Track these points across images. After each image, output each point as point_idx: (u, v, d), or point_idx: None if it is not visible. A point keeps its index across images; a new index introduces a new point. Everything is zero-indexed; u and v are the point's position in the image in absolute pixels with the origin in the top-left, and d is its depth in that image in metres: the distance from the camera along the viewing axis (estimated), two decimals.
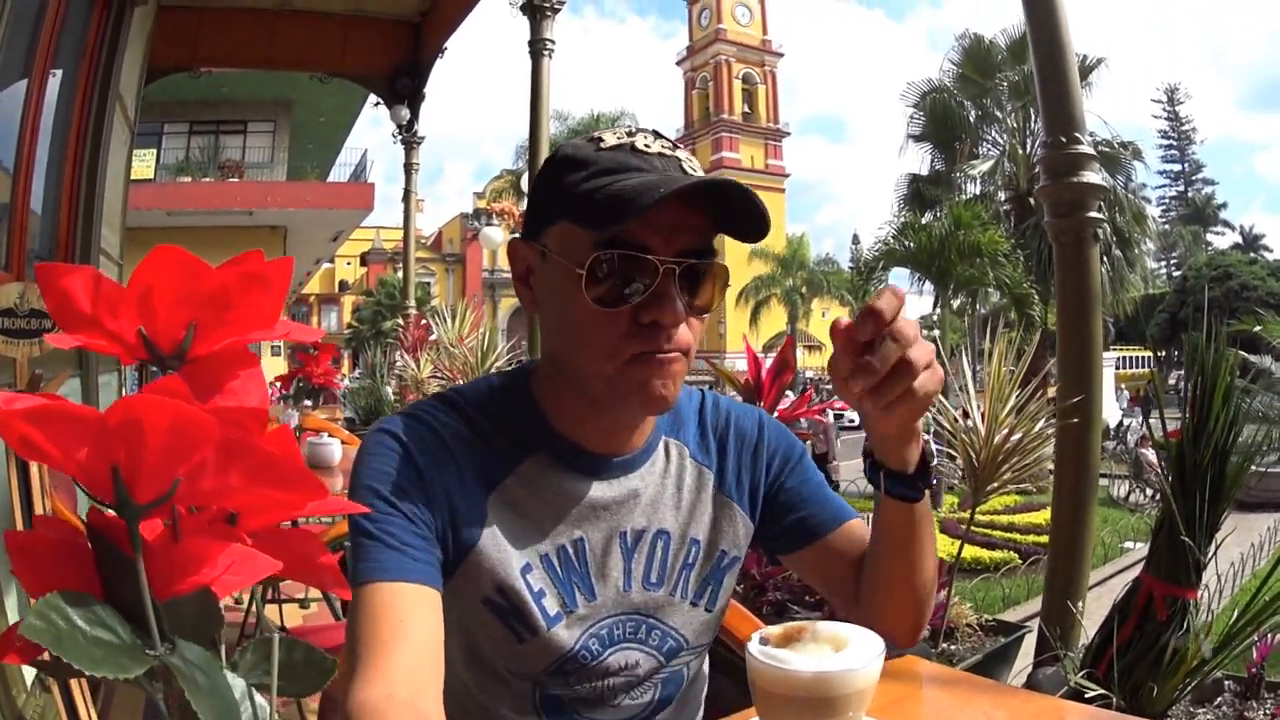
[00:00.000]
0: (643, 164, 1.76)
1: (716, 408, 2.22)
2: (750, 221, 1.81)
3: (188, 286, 1.06)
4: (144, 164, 28.31)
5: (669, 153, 1.83)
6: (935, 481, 1.94)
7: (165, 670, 0.89)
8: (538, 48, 11.23)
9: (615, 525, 1.98)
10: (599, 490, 1.97)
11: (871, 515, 2.02)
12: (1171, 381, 45.86)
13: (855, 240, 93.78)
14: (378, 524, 1.72)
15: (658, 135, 1.88)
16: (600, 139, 1.85)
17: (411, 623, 1.62)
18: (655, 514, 2.03)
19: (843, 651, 1.42)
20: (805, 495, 2.16)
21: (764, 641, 1.46)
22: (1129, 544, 14.21)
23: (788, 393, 7.56)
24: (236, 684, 0.99)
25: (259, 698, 1.01)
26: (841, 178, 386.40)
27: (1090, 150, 5.46)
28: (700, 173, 1.85)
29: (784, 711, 1.42)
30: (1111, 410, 31.88)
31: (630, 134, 1.85)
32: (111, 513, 0.91)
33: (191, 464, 0.88)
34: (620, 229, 1.71)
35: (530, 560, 1.90)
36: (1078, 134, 5.40)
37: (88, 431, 0.87)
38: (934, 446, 1.85)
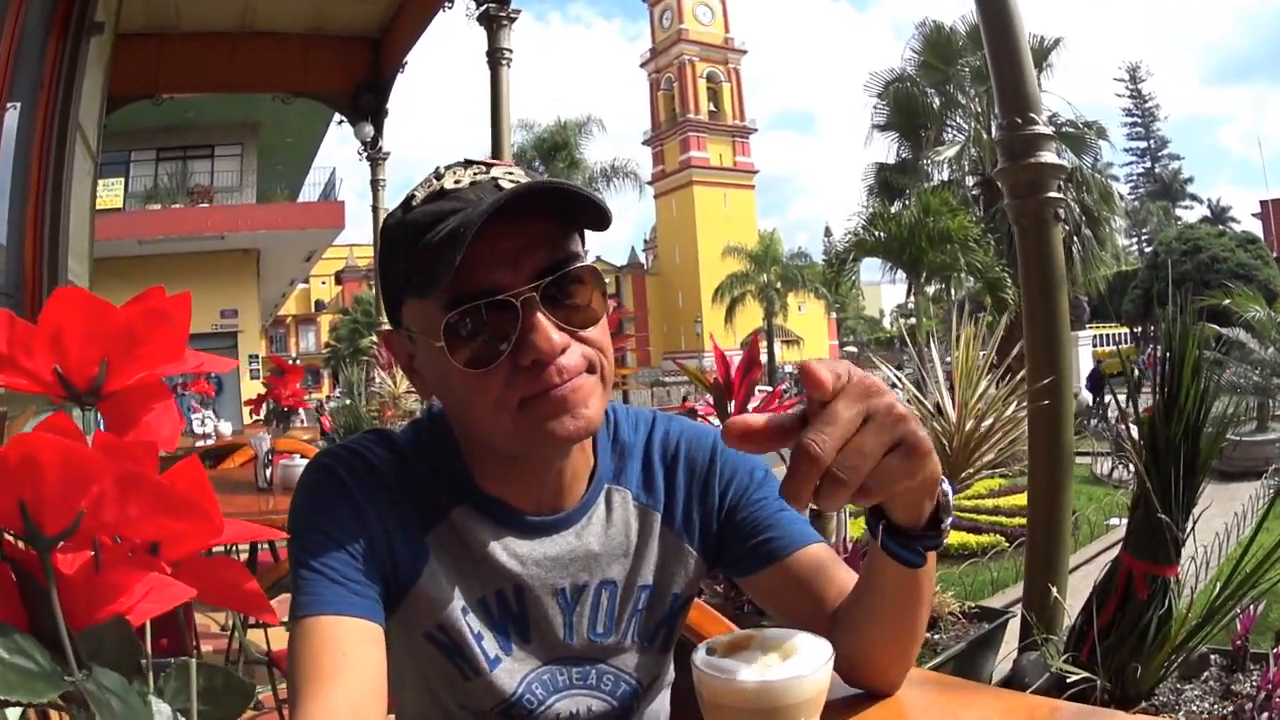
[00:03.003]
0: (456, 204, 1.65)
1: (667, 437, 2.09)
2: (589, 207, 1.70)
3: (95, 325, 1.07)
4: (112, 193, 28.30)
5: (482, 177, 1.71)
6: (944, 543, 1.63)
7: (84, 699, 0.89)
8: (496, 57, 11.24)
9: (552, 582, 1.92)
10: (530, 548, 1.90)
11: (864, 563, 1.86)
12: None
13: (827, 233, 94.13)
14: (318, 557, 1.69)
15: (470, 163, 1.78)
16: (412, 197, 1.75)
17: (353, 656, 1.60)
18: (597, 567, 1.96)
19: (790, 659, 1.37)
20: (762, 520, 1.98)
21: (710, 651, 1.41)
22: (1114, 520, 14.18)
23: (760, 389, 7.57)
24: (162, 710, 1.00)
25: None
26: (812, 171, 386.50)
27: (1047, 130, 5.46)
28: (522, 179, 1.71)
29: None
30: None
31: (439, 175, 1.75)
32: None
33: (91, 497, 0.89)
34: (459, 284, 1.63)
35: (467, 604, 1.87)
36: (1033, 114, 5.40)
37: None
38: (950, 493, 1.57)
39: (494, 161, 1.78)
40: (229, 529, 1.06)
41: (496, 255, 1.64)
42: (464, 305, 1.64)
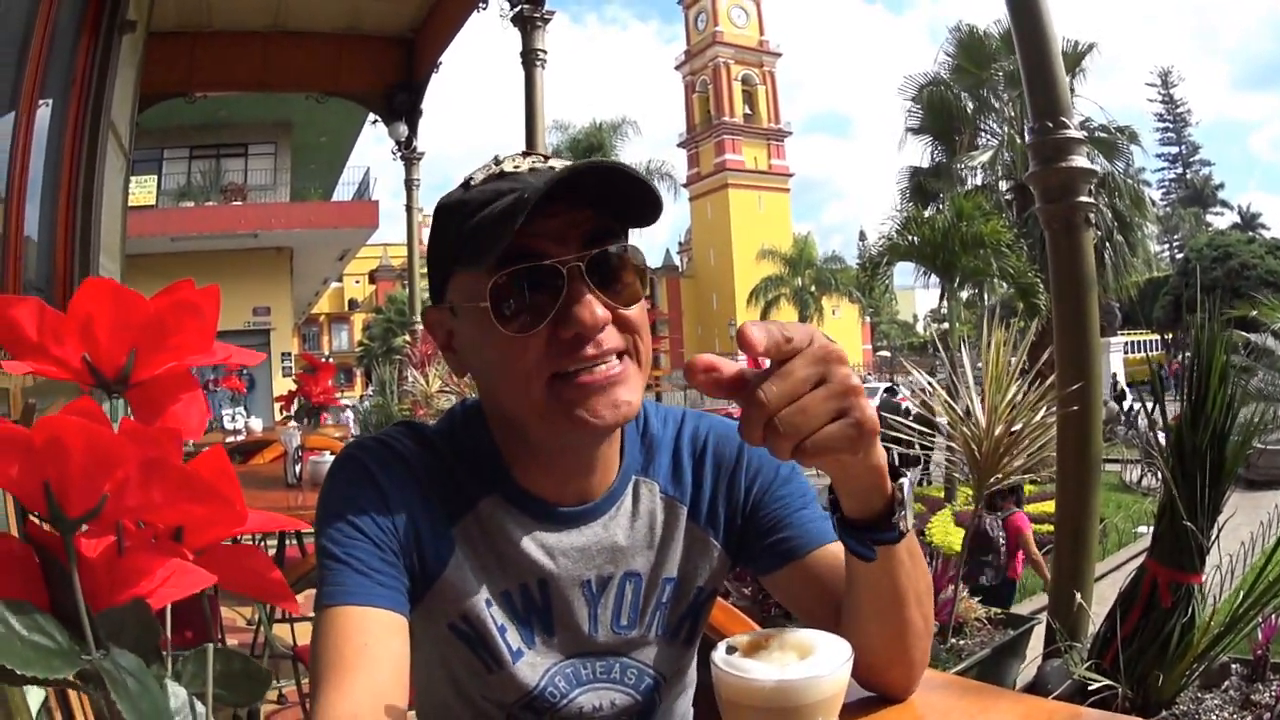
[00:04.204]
0: (515, 184, 1.68)
1: (696, 432, 2.08)
2: (643, 199, 1.72)
3: (124, 314, 1.10)
4: (145, 190, 28.34)
5: (540, 166, 1.76)
6: (903, 533, 1.63)
7: (101, 678, 0.91)
8: (530, 58, 11.27)
9: (578, 574, 1.91)
10: (556, 538, 1.90)
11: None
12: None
13: (862, 237, 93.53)
14: (344, 548, 1.69)
15: (528, 154, 1.82)
16: (470, 179, 1.79)
17: (376, 646, 1.60)
18: (623, 559, 1.95)
19: (807, 659, 1.36)
20: (785, 517, 1.98)
21: (730, 650, 1.40)
22: (1142, 529, 14.15)
23: None
24: (179, 693, 1.01)
25: (200, 706, 1.03)
26: (847, 174, 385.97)
27: (1077, 134, 5.46)
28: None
29: None
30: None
31: (498, 161, 1.80)
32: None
33: (115, 480, 0.91)
34: (508, 251, 1.63)
35: (491, 596, 1.85)
36: (1064, 118, 5.40)
37: (16, 449, 0.90)
38: (907, 489, 1.58)
39: (551, 155, 1.83)
40: (253, 518, 1.08)
41: (547, 230, 1.66)
42: (512, 267, 1.65)
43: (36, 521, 0.96)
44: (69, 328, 1.08)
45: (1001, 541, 10.32)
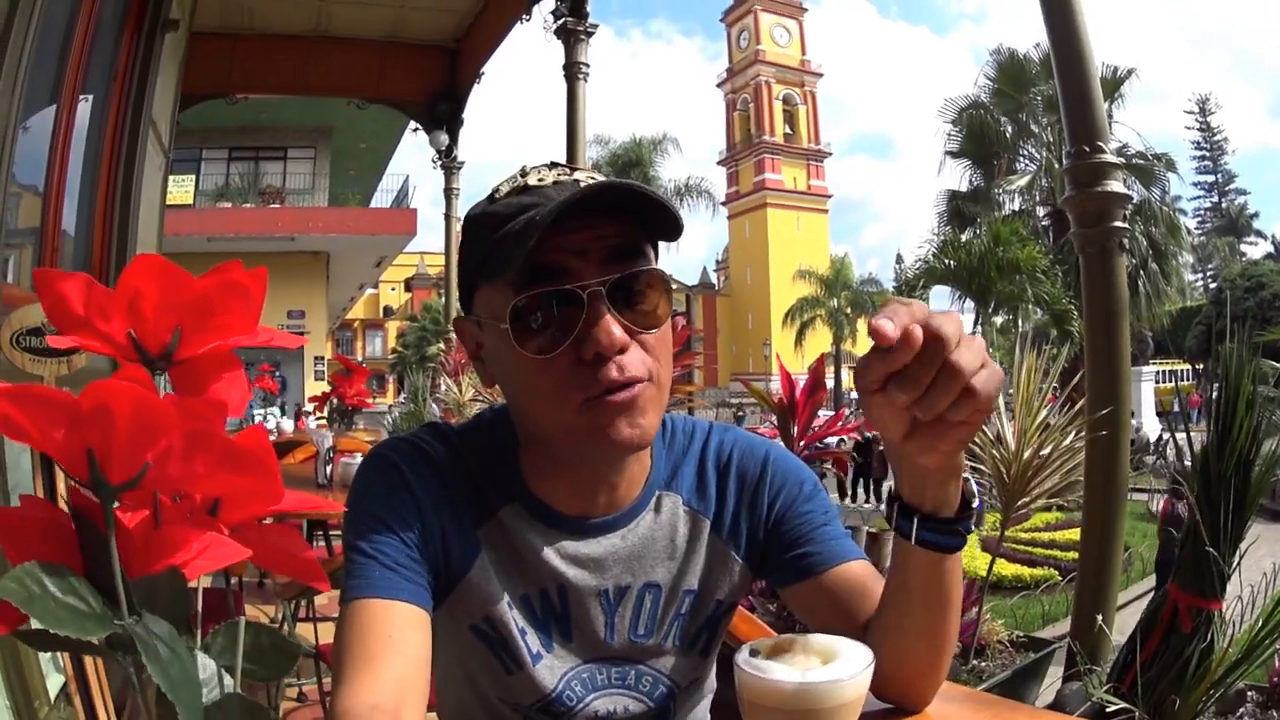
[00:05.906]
0: (538, 199, 1.66)
1: (720, 445, 2.07)
2: (665, 218, 1.72)
3: (172, 293, 1.12)
4: (183, 190, 28.48)
5: (565, 179, 1.72)
6: (977, 524, 1.67)
7: (132, 642, 0.93)
8: (572, 71, 11.31)
9: (596, 584, 1.91)
10: (575, 548, 1.90)
11: (890, 566, 1.86)
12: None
13: (899, 259, 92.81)
14: (372, 543, 1.71)
15: (554, 165, 1.80)
16: (497, 190, 1.78)
17: (399, 639, 1.62)
18: (641, 569, 1.95)
19: (830, 663, 1.39)
20: (806, 533, 1.97)
21: (754, 653, 1.42)
22: None
23: (823, 412, 7.58)
24: (208, 665, 1.03)
25: (228, 678, 1.05)
26: (886, 195, 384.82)
27: (1113, 159, 5.46)
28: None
29: None
30: (1152, 425, 31.65)
31: (524, 174, 1.78)
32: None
33: (159, 449, 0.94)
34: (531, 270, 1.65)
35: (512, 599, 1.87)
36: (1100, 142, 5.41)
37: (63, 414, 0.93)
38: (974, 484, 1.61)
39: (578, 166, 1.82)
40: (288, 498, 1.10)
41: (569, 245, 1.65)
42: (533, 290, 1.65)
43: (77, 487, 0.99)
44: (116, 304, 1.10)
45: None
